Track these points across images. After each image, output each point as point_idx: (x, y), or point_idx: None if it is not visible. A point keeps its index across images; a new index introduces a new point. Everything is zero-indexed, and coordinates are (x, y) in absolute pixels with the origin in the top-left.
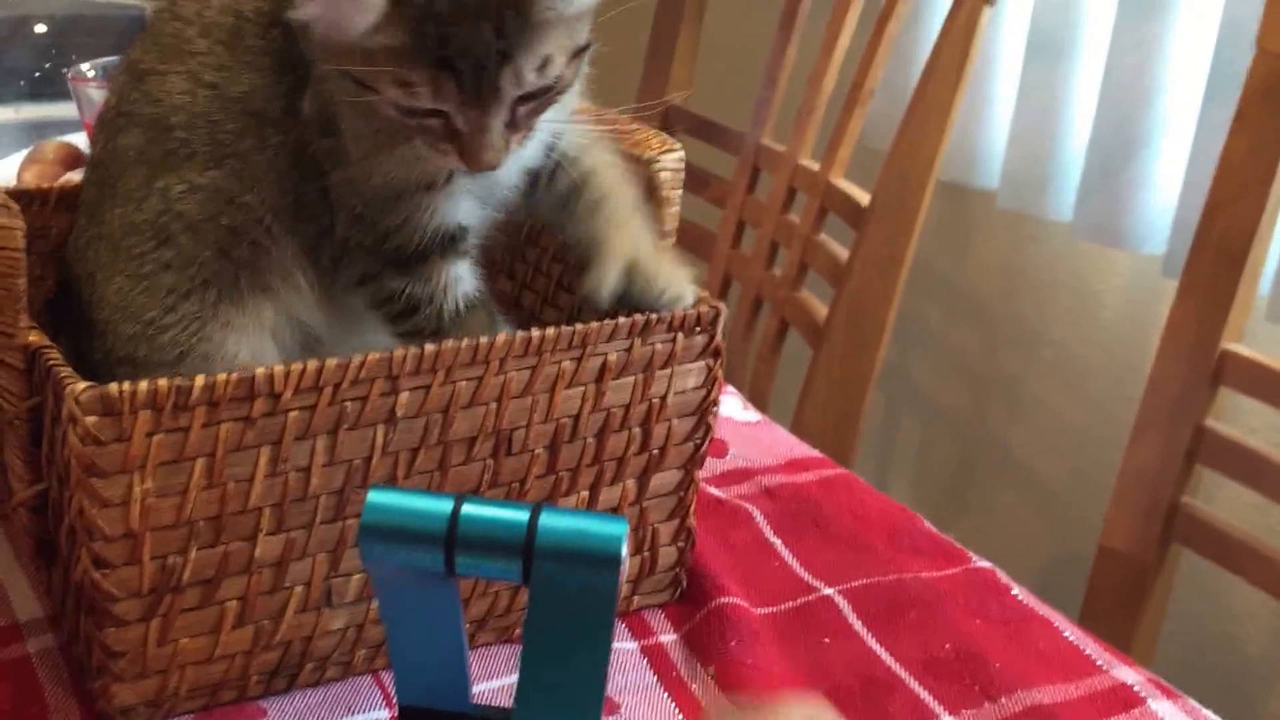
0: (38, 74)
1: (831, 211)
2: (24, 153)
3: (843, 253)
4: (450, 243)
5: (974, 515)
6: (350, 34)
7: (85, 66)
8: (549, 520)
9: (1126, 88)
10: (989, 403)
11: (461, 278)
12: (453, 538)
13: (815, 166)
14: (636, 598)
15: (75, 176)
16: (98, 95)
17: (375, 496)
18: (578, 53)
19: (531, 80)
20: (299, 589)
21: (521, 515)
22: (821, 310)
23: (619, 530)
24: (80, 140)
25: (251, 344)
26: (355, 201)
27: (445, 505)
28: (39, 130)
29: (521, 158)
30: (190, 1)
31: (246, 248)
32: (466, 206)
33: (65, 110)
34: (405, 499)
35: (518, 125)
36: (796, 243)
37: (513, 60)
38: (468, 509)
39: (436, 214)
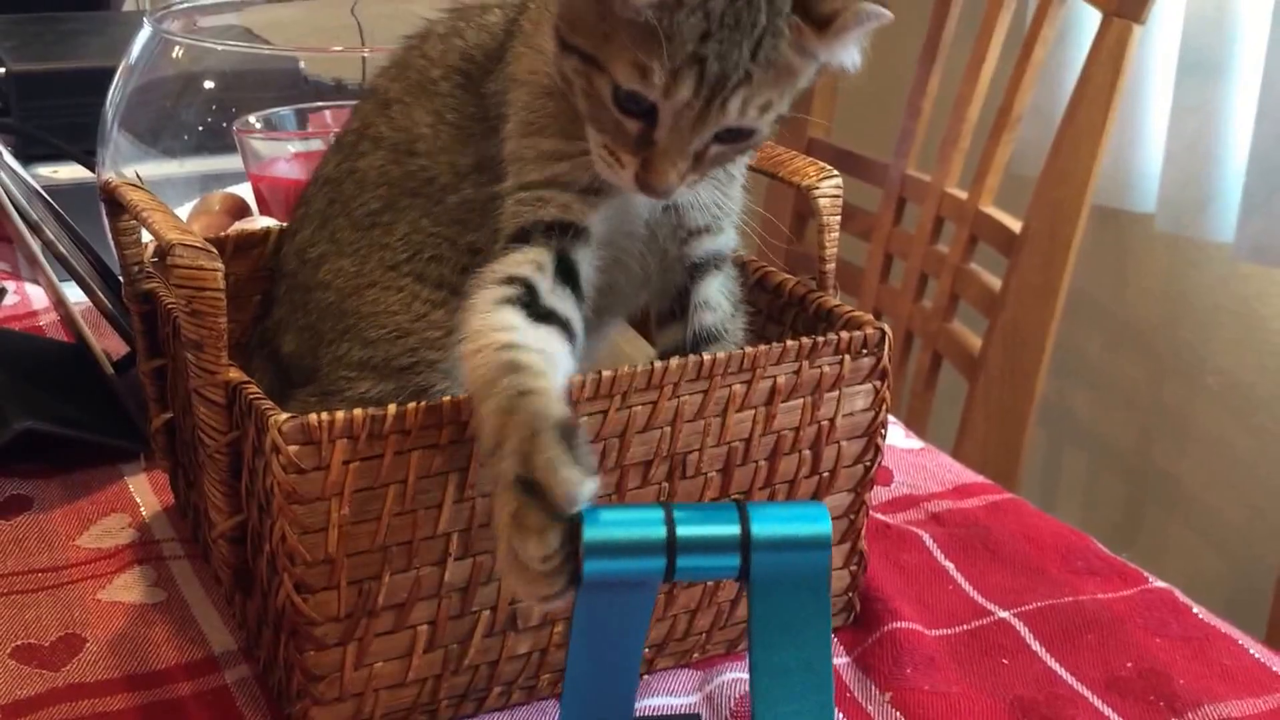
0: (201, 128)
1: (982, 240)
2: (190, 205)
3: (995, 282)
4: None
5: (1143, 550)
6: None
7: (251, 119)
8: (757, 513)
9: None
10: (1155, 434)
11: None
12: (673, 543)
13: (963, 195)
14: None
15: (242, 225)
16: (262, 147)
17: (592, 514)
18: (777, 119)
19: (750, 116)
20: (486, 613)
21: (731, 513)
22: (975, 341)
23: (822, 511)
24: (245, 191)
25: None
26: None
27: (656, 514)
28: (204, 183)
29: (675, 207)
30: (437, 41)
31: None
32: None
33: (228, 163)
34: (619, 513)
35: (702, 162)
36: (947, 273)
37: (750, 85)
38: (679, 514)
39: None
